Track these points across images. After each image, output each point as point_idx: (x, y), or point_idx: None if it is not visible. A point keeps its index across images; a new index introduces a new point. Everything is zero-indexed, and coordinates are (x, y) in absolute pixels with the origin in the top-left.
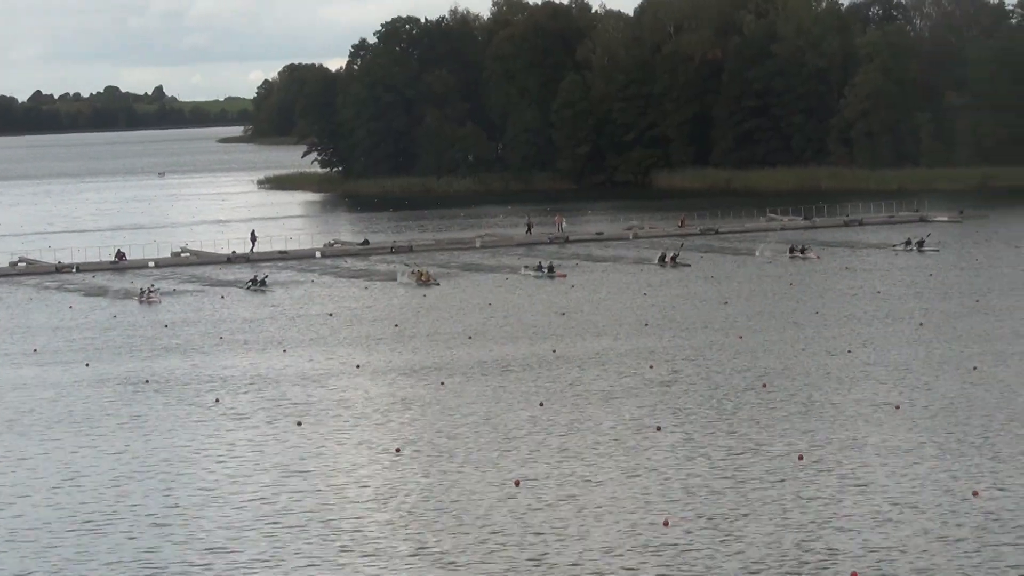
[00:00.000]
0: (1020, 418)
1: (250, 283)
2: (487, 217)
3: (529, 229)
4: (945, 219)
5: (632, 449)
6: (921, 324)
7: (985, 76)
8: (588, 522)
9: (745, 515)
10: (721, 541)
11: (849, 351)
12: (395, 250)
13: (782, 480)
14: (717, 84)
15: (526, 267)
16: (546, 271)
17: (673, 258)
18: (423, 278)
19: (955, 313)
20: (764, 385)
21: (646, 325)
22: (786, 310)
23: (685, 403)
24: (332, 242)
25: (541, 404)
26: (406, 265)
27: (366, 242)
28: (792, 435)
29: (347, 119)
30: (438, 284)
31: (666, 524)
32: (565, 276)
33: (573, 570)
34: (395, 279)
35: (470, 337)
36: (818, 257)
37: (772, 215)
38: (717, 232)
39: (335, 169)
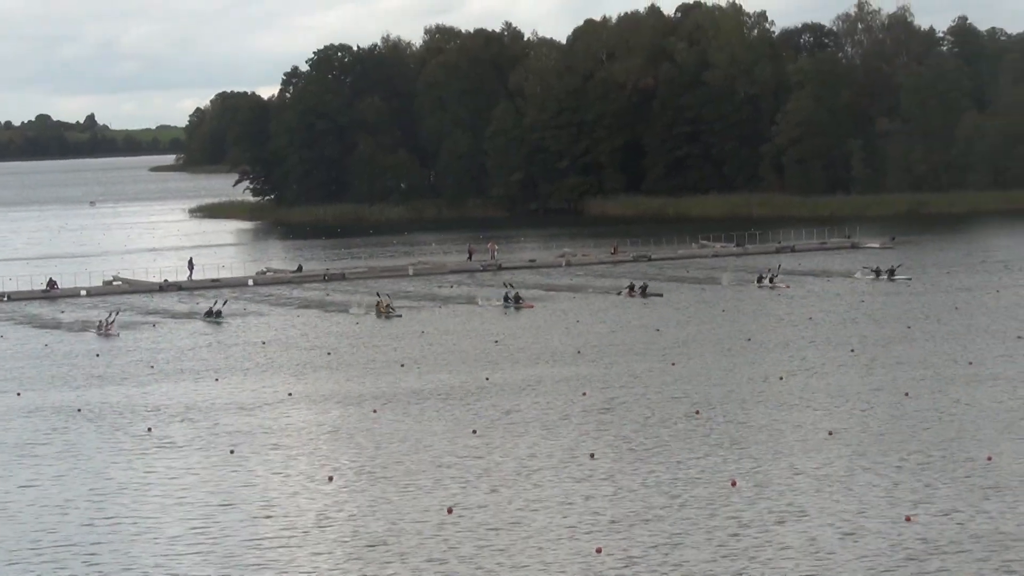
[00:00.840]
0: (952, 443)
1: (207, 314)
2: (420, 245)
3: (470, 256)
4: (877, 246)
5: (565, 477)
6: (853, 350)
7: (916, 103)
8: (521, 550)
9: (679, 543)
10: (655, 569)
11: (782, 377)
12: (328, 278)
13: (716, 507)
14: (649, 111)
15: (484, 298)
16: (512, 301)
17: (643, 288)
18: (383, 309)
19: (887, 339)
20: (697, 412)
21: (579, 352)
22: (719, 337)
23: (619, 430)
24: (265, 270)
25: (474, 432)
26: (376, 296)
27: (299, 269)
28: (725, 462)
29: (279, 147)
30: (400, 316)
31: (599, 552)
32: (532, 306)
33: None
34: (348, 311)
35: (402, 365)
36: (787, 287)
37: (704, 242)
38: (650, 259)
39: (267, 197)
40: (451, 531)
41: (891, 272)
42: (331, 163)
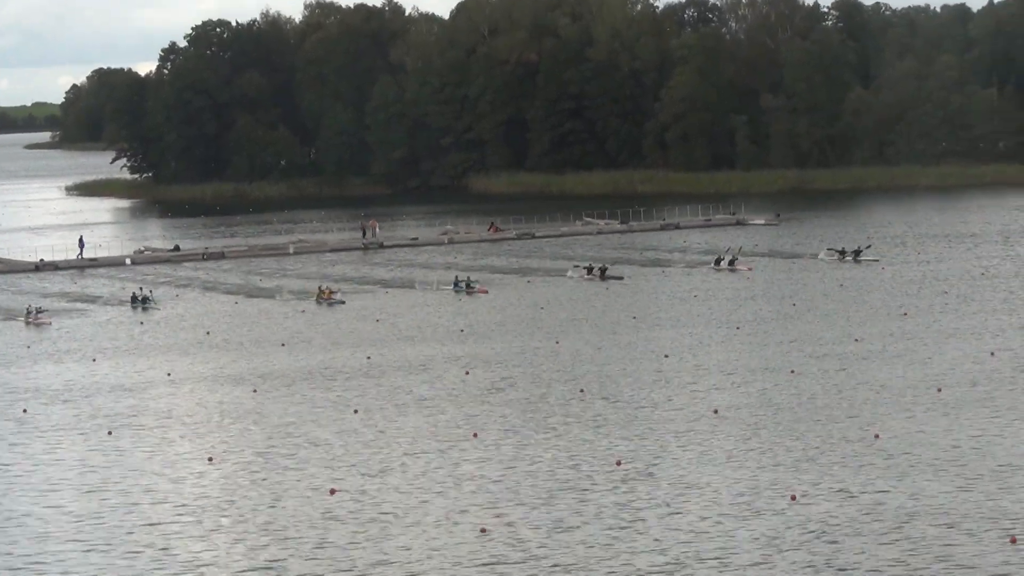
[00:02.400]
0: (839, 421)
1: (133, 300)
2: (301, 223)
3: (364, 233)
4: (762, 222)
5: (449, 457)
6: (739, 328)
7: (800, 78)
8: (405, 530)
9: (563, 523)
10: (539, 549)
11: (667, 356)
12: (207, 256)
13: (601, 487)
14: (532, 87)
15: (428, 283)
16: (464, 286)
17: (602, 270)
18: (325, 295)
19: (773, 317)
20: (582, 391)
21: (462, 331)
22: (602, 315)
23: (502, 410)
24: (143, 249)
25: (355, 412)
26: (319, 287)
27: (177, 248)
28: (611, 442)
29: (157, 124)
30: (343, 303)
31: (483, 531)
32: (486, 291)
33: None
34: (274, 297)
35: (283, 344)
36: (750, 269)
37: (588, 219)
38: (533, 236)
39: (145, 175)
40: (334, 512)
41: (857, 253)
42: (210, 140)
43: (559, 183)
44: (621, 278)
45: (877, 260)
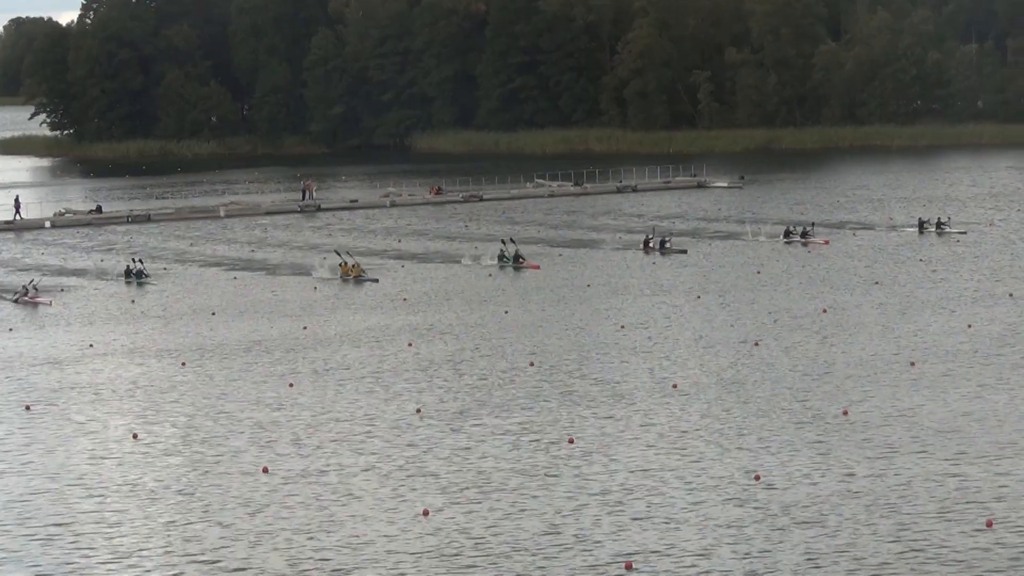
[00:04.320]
0: (805, 396)
1: (127, 274)
2: (233, 184)
3: (303, 195)
4: (725, 185)
5: (389, 434)
6: (699, 298)
7: (767, 31)
8: (343, 510)
9: (512, 503)
10: (484, 532)
11: (622, 327)
12: (132, 219)
13: (553, 466)
14: (481, 40)
15: (473, 257)
16: (511, 260)
17: (662, 243)
18: (350, 272)
19: (736, 286)
20: (532, 364)
21: (405, 300)
22: (555, 284)
23: (447, 384)
24: (63, 211)
25: (291, 386)
26: (336, 255)
27: (98, 209)
28: (563, 417)
29: (79, 78)
30: (376, 281)
31: (426, 514)
32: (538, 267)
33: (328, 560)
34: (310, 273)
35: (213, 314)
36: (826, 242)
37: (540, 180)
38: (481, 199)
39: (66, 132)
40: (266, 491)
41: (939, 224)
42: (135, 95)
43: (509, 142)
44: (685, 251)
45: (964, 233)
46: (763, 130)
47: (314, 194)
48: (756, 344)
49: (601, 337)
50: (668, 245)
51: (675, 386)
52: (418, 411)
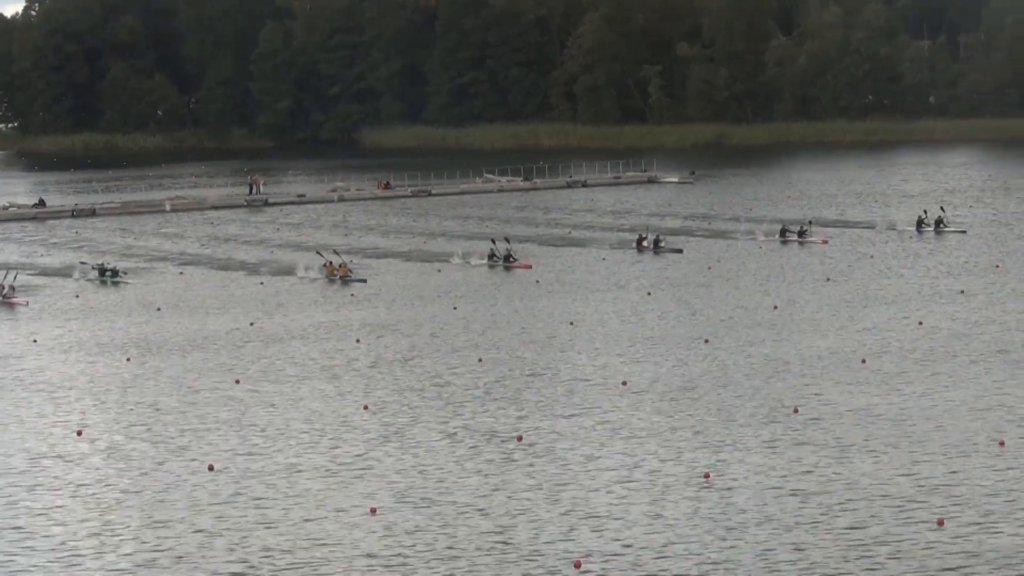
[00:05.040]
0: (753, 395)
1: (97, 270)
2: (179, 178)
3: (251, 189)
4: (676, 180)
5: (337, 431)
6: (649, 293)
7: (720, 25)
8: (290, 509)
9: (458, 503)
10: (432, 531)
11: (572, 323)
12: (76, 214)
13: (498, 465)
14: (431, 34)
15: (463, 255)
16: (501, 259)
17: (655, 241)
18: (334, 271)
19: (686, 282)
20: (480, 360)
21: (352, 296)
22: (503, 280)
23: (395, 381)
24: (6, 205)
25: (237, 382)
26: (319, 255)
27: (41, 203)
28: (511, 415)
29: (24, 70)
30: (364, 281)
31: (373, 512)
32: (529, 266)
33: (274, 560)
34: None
35: (159, 309)
36: (824, 242)
37: (489, 175)
38: (430, 194)
39: (10, 125)
40: (212, 489)
41: (938, 223)
42: (81, 88)
43: (458, 137)
44: (680, 251)
45: (964, 231)
46: (714, 125)
47: (261, 188)
48: (706, 341)
49: (552, 333)
50: (662, 244)
51: (624, 383)
52: (365, 407)
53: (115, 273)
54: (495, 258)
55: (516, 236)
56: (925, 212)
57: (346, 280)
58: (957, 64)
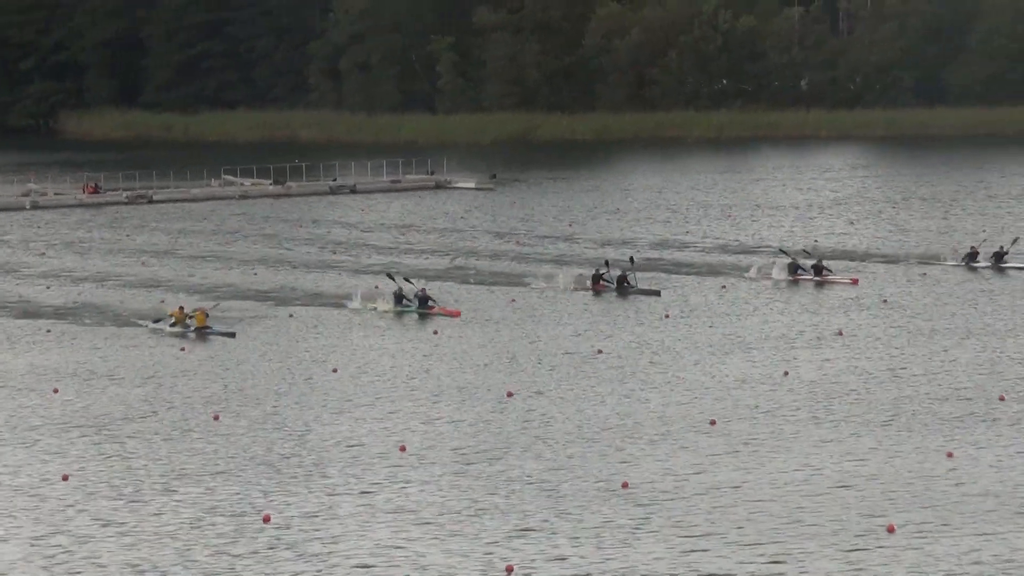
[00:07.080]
0: (566, 463)
1: None
2: None
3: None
4: (472, 185)
5: (31, 502)
6: (436, 332)
7: None
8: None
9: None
10: None
11: (335, 370)
12: None
13: (245, 548)
14: None
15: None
16: (416, 302)
17: (621, 279)
18: (187, 321)
19: (483, 318)
20: (216, 417)
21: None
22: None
23: (112, 444)
24: None
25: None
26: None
27: None
28: (256, 489)
29: None
30: (233, 335)
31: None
32: (458, 314)
33: None
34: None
35: None
36: (855, 281)
37: (229, 177)
38: (151, 201)
39: None
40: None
41: (999, 256)
42: None
43: (187, 127)
44: (658, 293)
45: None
46: (521, 114)
47: None
48: (509, 395)
49: (317, 388)
50: (630, 284)
51: (402, 447)
52: (65, 478)
53: None
54: (405, 301)
55: (263, 258)
56: (783, 251)
57: (203, 333)
58: (836, 38)
